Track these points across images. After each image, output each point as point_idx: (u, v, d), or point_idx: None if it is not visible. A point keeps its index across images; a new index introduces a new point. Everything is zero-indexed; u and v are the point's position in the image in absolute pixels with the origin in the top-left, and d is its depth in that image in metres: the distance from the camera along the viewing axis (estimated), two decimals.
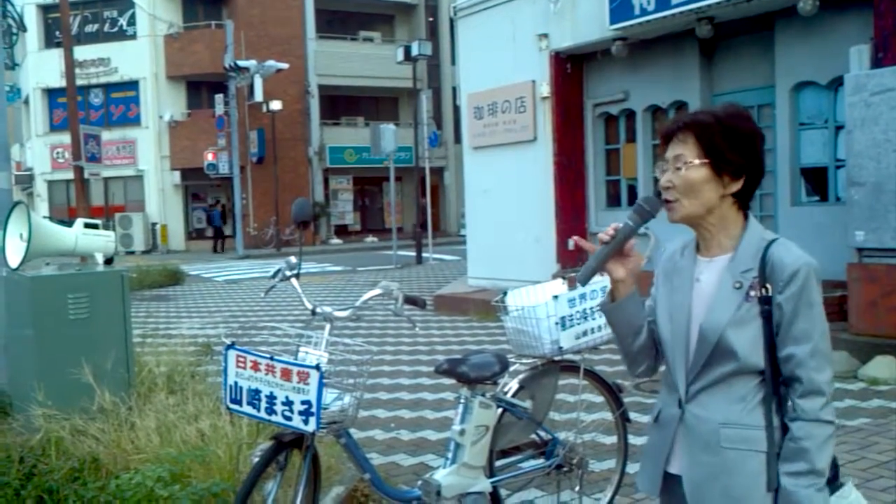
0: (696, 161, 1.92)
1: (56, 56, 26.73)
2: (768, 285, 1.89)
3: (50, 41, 31.94)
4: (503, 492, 3.95)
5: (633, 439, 4.70)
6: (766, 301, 1.89)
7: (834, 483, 1.98)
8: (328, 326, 3.39)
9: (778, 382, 1.92)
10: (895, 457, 4.91)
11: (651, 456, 2.11)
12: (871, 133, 7.22)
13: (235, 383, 3.13)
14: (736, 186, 1.95)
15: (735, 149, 1.93)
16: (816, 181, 9.60)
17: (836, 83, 8.82)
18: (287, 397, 3.00)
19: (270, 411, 3.05)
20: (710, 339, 1.92)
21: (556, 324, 3.74)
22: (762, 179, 2.00)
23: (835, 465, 2.00)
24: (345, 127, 34.60)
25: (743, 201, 1.99)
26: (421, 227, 22.44)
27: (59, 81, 26.58)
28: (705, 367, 1.95)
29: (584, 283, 1.98)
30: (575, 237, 2.09)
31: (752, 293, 1.90)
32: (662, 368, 2.15)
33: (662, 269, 2.11)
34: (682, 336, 1.99)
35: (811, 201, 9.64)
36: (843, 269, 7.47)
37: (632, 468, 4.42)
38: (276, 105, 29.89)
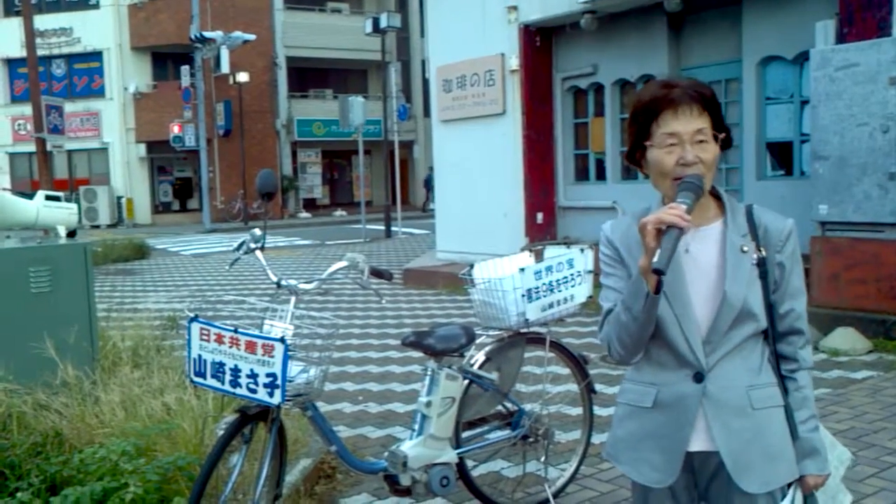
0: (713, 135, 1.93)
1: (16, 25, 26.10)
2: (762, 247, 1.96)
3: (9, 9, 31.17)
4: (470, 462, 3.97)
5: (598, 410, 4.75)
6: (762, 263, 1.96)
7: None
8: (293, 299, 3.38)
9: (774, 339, 2.01)
10: (853, 425, 5.02)
11: (658, 442, 2.00)
12: (836, 108, 7.30)
13: (199, 356, 3.10)
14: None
15: (723, 122, 1.97)
16: (781, 155, 9.69)
17: (802, 58, 8.88)
18: (252, 370, 2.98)
19: (235, 384, 3.03)
20: (735, 305, 1.92)
21: (523, 296, 3.75)
22: None
23: None
24: (313, 99, 34.28)
25: None
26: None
27: (19, 51, 25.96)
28: (726, 335, 1.94)
29: (665, 270, 1.78)
30: (642, 221, 1.83)
31: (754, 256, 1.96)
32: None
33: (626, 245, 2.02)
34: (688, 310, 1.95)
35: (776, 175, 9.74)
36: (807, 242, 7.57)
37: (597, 438, 4.48)
38: (243, 77, 29.52)
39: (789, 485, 2.00)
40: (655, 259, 1.77)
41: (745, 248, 1.95)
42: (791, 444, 1.98)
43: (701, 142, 1.91)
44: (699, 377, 1.95)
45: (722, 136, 1.94)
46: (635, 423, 2.05)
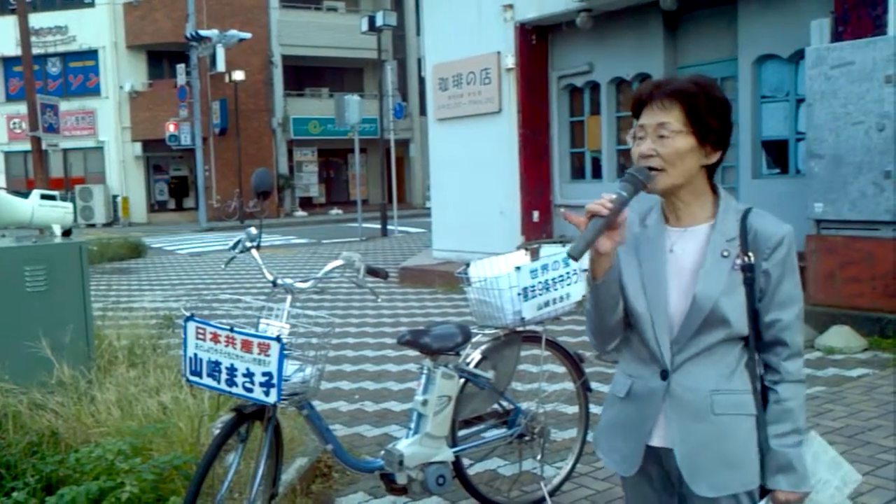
0: (684, 129, 1.90)
1: (11, 23, 25.99)
2: (751, 253, 1.92)
3: (4, 8, 31.03)
4: (466, 461, 3.98)
5: (594, 408, 4.75)
6: (748, 269, 1.92)
7: None
8: (289, 298, 3.38)
9: (756, 348, 1.97)
10: (848, 423, 5.03)
11: (625, 432, 2.06)
12: (831, 106, 7.31)
13: (195, 355, 3.10)
14: (715, 157, 1.95)
15: (717, 118, 1.93)
16: (777, 154, 9.70)
17: (798, 56, 8.89)
18: (248, 369, 2.98)
19: (231, 383, 3.03)
20: (704, 307, 1.91)
21: (519, 294, 3.75)
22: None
23: None
24: (309, 98, 34.25)
25: (711, 172, 1.99)
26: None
27: (14, 50, 25.88)
28: (694, 337, 1.94)
29: (578, 258, 1.84)
30: (563, 210, 1.98)
31: (738, 261, 1.93)
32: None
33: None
34: (661, 308, 1.97)
35: (772, 174, 9.75)
36: (802, 240, 7.58)
37: (593, 437, 4.49)
38: (238, 75, 29.49)
39: (762, 496, 1.98)
40: (572, 245, 1.83)
41: (727, 253, 1.93)
42: (756, 454, 1.95)
43: (662, 136, 1.91)
44: (664, 375, 1.98)
45: (692, 130, 1.90)
46: (614, 412, 2.11)
